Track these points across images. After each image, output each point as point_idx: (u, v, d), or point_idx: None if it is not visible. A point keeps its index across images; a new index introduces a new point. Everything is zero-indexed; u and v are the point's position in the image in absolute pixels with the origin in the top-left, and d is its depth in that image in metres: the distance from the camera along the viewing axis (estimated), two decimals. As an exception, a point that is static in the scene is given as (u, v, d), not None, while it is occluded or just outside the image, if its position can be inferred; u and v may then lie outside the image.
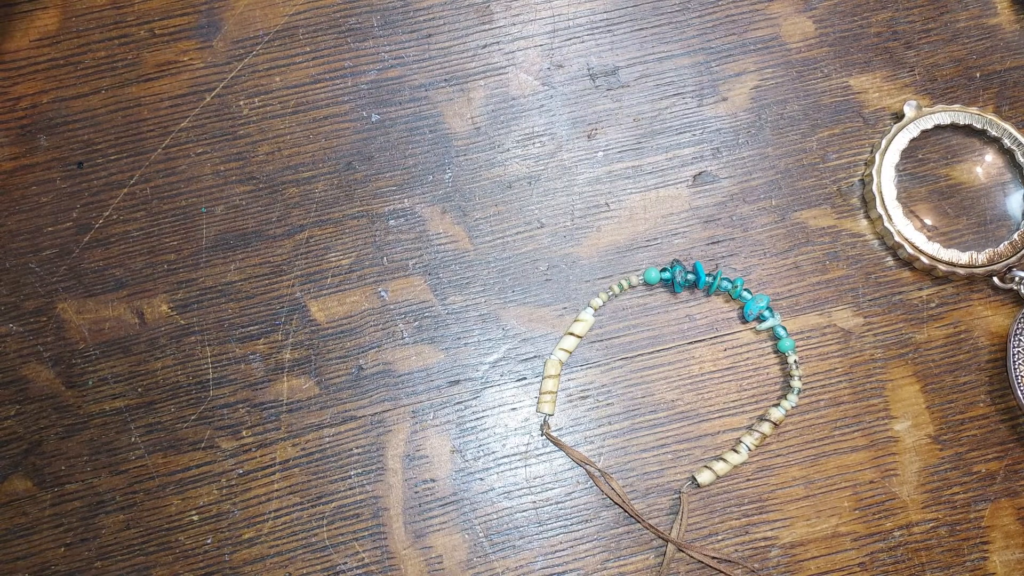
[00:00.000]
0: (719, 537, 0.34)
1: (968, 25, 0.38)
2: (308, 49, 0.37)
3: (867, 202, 0.36)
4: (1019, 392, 0.34)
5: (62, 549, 0.34)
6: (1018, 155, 0.36)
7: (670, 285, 0.35)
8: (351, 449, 0.34)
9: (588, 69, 0.37)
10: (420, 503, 0.34)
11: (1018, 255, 0.35)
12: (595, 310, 0.35)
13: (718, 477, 0.34)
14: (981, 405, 0.35)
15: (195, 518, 0.34)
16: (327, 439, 0.34)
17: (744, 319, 0.36)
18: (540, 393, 0.35)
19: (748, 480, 0.35)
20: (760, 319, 0.35)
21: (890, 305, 0.36)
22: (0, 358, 0.35)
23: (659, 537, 0.34)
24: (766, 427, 0.34)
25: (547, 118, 0.37)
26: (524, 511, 0.34)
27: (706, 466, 0.34)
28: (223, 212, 0.36)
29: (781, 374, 0.35)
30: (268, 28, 0.37)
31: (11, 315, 0.35)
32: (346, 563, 0.34)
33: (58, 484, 0.34)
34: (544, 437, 0.35)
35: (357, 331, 0.35)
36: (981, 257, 0.35)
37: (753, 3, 0.38)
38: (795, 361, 0.35)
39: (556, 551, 0.34)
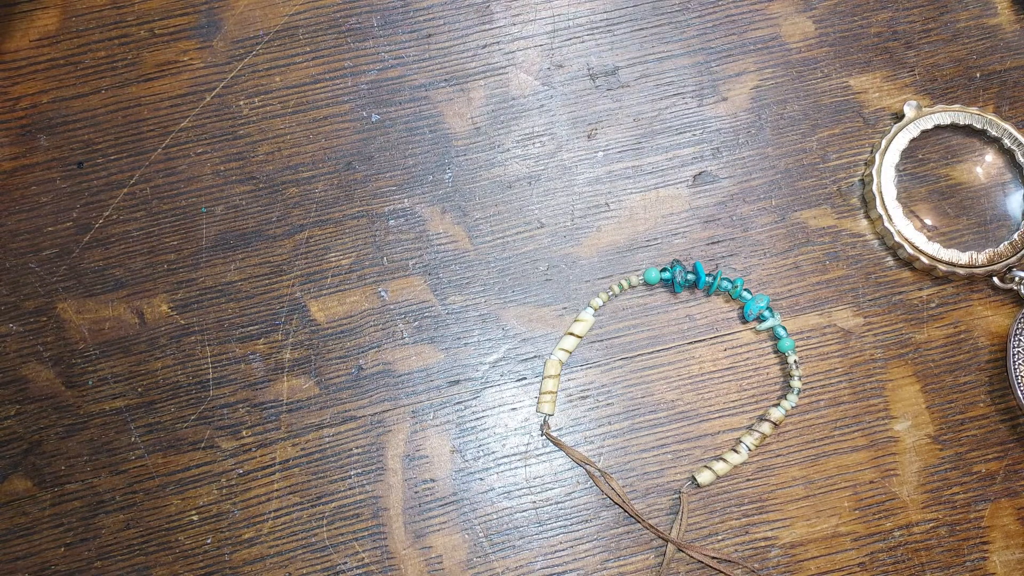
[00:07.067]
0: (719, 537, 0.34)
1: (968, 25, 0.38)
2: (308, 49, 0.37)
3: (867, 202, 0.36)
4: (1019, 392, 0.34)
5: (62, 549, 0.34)
6: (1018, 155, 0.36)
7: (670, 285, 0.35)
8: (351, 449, 0.34)
9: (588, 69, 0.37)
10: (420, 503, 0.34)
11: (1018, 255, 0.35)
12: (595, 310, 0.35)
13: (718, 477, 0.34)
14: (981, 405, 0.35)
15: (195, 518, 0.34)
16: (327, 439, 0.34)
17: (744, 319, 0.36)
18: (540, 393, 0.35)
19: (748, 480, 0.35)
20: (760, 319, 0.35)
21: (890, 305, 0.36)
22: (0, 358, 0.35)
23: (659, 537, 0.34)
24: (766, 427, 0.34)
25: (547, 118, 0.37)
26: (524, 511, 0.34)
27: (706, 466, 0.34)
28: (223, 212, 0.36)
29: (781, 374, 0.35)
30: (268, 28, 0.37)
31: (11, 315, 0.35)
32: (346, 563, 0.34)
33: (58, 484, 0.34)
34: (544, 437, 0.35)
35: (357, 331, 0.35)
36: (981, 257, 0.35)
37: (753, 3, 0.38)
38: (795, 361, 0.35)
39: (556, 551, 0.34)
